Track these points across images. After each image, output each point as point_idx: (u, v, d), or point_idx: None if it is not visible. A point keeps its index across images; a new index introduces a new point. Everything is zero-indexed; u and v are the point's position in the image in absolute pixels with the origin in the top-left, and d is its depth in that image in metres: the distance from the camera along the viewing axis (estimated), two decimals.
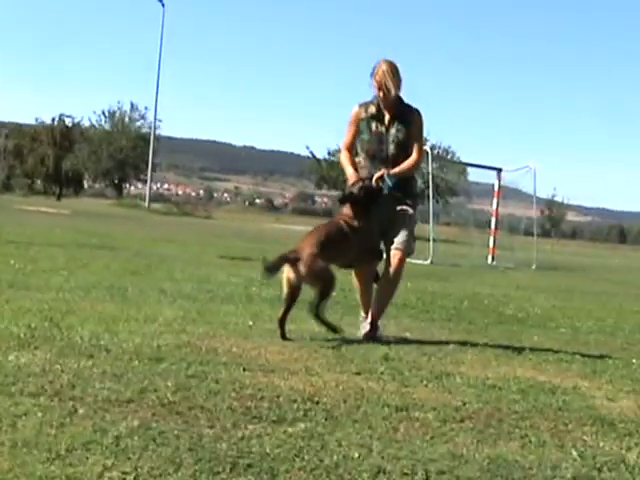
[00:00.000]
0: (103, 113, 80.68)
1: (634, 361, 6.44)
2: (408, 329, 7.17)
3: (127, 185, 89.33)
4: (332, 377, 4.70)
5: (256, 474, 2.89)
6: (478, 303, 10.18)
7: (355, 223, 6.36)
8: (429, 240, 21.00)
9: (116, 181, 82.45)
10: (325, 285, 6.18)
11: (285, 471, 2.94)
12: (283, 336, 6.04)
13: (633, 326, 9.30)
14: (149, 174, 68.80)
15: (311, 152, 57.22)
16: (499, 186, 23.90)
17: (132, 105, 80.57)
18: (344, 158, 6.64)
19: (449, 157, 52.19)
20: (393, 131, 6.45)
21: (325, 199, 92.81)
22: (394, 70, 6.33)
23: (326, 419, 3.73)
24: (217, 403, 3.84)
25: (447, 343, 6.50)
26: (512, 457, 3.37)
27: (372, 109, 6.46)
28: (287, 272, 6.10)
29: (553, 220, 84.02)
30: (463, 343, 6.54)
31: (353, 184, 6.41)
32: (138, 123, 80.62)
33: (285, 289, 6.17)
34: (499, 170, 24.29)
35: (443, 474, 3.06)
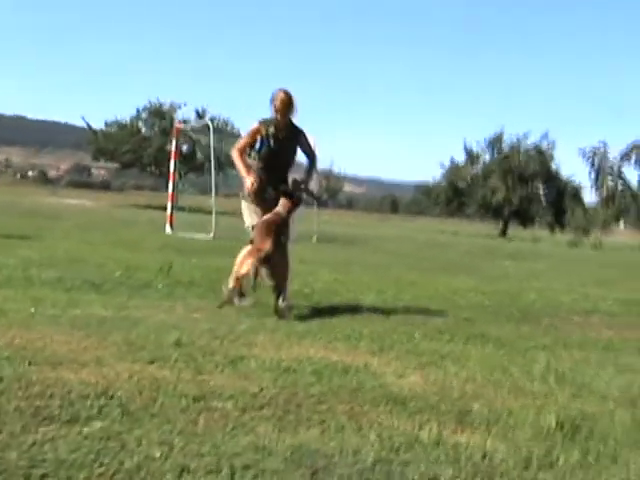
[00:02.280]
0: None
1: (416, 335, 6.68)
2: (197, 309, 7.10)
3: None
4: (124, 367, 4.54)
5: None
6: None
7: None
8: (211, 213, 20.87)
9: None
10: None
11: (84, 479, 2.79)
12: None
13: (411, 297, 9.69)
14: None
15: (87, 123, 55.16)
16: None
17: None
18: (238, 159, 7.88)
19: (229, 129, 52.10)
20: (287, 147, 7.92)
21: (102, 171, 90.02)
22: (291, 99, 7.78)
23: (123, 415, 3.59)
24: (2, 404, 3.60)
25: (238, 324, 6.47)
26: (314, 445, 3.38)
27: (271, 129, 7.80)
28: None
29: (331, 191, 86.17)
30: (255, 324, 6.54)
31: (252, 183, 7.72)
32: None
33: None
34: None
35: (248, 469, 3.02)
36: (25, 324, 5.63)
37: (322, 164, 61.39)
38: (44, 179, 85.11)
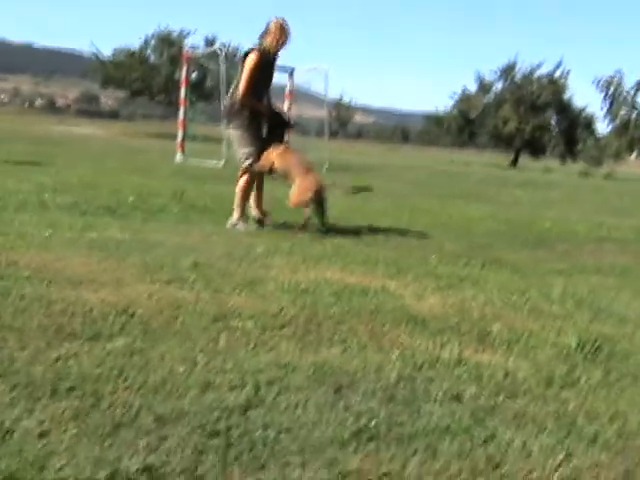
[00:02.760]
0: None
1: (432, 259, 6.66)
2: (213, 233, 7.08)
3: None
4: (144, 287, 4.53)
5: (79, 397, 2.73)
6: (278, 205, 10.18)
7: None
8: (221, 141, 20.72)
9: None
10: None
11: (110, 392, 2.79)
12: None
13: (426, 224, 9.65)
14: None
15: (95, 50, 54.52)
16: (291, 88, 23.79)
17: None
18: (255, 102, 7.92)
19: (239, 56, 51.44)
20: (272, 75, 8.20)
21: (111, 100, 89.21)
22: (288, 27, 7.92)
23: (144, 333, 3.59)
24: (25, 322, 3.60)
25: (254, 248, 6.46)
26: (336, 363, 3.38)
27: (268, 57, 7.91)
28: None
29: (341, 121, 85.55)
30: (271, 247, 6.52)
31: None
32: None
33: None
34: (291, 71, 24.13)
35: (272, 384, 3.02)
36: (43, 246, 5.63)
37: (332, 94, 60.71)
38: (52, 108, 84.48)
